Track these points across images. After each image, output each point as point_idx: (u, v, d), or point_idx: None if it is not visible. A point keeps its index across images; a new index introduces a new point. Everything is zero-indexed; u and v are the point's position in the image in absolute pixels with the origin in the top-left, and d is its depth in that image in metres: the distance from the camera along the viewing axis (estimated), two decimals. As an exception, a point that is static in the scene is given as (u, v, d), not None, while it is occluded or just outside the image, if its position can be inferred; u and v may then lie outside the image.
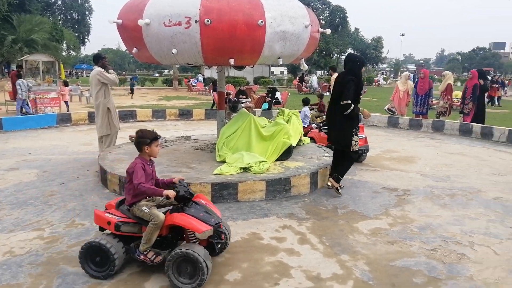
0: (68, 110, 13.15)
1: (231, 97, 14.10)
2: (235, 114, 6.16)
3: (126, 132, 8.06)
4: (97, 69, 6.17)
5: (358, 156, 6.82)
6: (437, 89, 12.39)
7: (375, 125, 11.95)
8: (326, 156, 5.99)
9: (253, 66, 5.17)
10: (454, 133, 10.03)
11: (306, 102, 8.44)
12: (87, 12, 47.04)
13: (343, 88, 4.64)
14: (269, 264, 3.19)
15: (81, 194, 4.83)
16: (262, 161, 5.06)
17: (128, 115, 11.65)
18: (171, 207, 3.10)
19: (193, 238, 2.95)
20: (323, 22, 45.74)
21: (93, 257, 2.94)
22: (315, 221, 4.12)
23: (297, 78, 33.42)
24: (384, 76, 66.85)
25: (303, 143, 6.93)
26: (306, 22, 4.64)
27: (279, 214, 4.27)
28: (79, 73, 60.03)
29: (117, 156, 5.76)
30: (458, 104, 11.87)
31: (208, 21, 4.21)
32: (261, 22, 4.27)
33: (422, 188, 5.31)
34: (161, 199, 3.15)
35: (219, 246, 3.09)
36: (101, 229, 3.15)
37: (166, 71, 70.62)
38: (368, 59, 58.93)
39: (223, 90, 5.86)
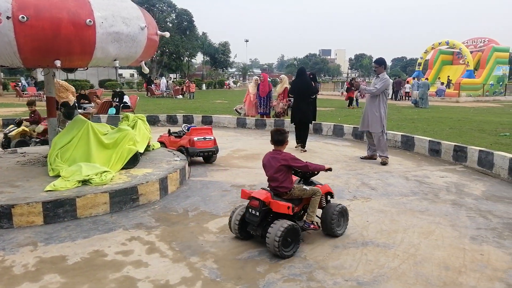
0: None
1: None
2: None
3: None
4: None
5: (209, 157, 7.00)
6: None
7: (226, 126, 12.49)
8: (176, 160, 5.93)
9: (87, 68, 4.75)
10: (292, 130, 11.19)
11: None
12: None
13: (309, 87, 8.20)
14: (114, 281, 2.97)
15: None
16: (105, 171, 4.69)
17: None
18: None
19: (323, 201, 3.86)
20: (170, 25, 45.45)
21: (286, 239, 3.33)
22: (165, 227, 4.03)
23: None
24: (234, 79, 70.45)
25: (153, 148, 6.73)
26: (141, 23, 4.48)
27: (126, 226, 4.03)
28: None
29: None
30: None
31: (23, 17, 3.67)
32: (90, 21, 3.94)
33: (266, 182, 5.74)
34: None
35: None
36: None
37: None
38: (217, 63, 61.30)
39: (52, 95, 5.20)
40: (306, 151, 8.16)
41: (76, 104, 12.48)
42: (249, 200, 3.61)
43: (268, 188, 3.70)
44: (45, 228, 3.93)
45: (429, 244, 3.69)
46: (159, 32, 5.18)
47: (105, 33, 4.12)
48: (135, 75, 60.46)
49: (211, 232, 3.93)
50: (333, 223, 3.73)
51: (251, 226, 3.59)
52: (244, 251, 3.49)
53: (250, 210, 3.54)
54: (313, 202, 3.68)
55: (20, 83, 26.03)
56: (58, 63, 4.03)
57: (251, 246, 3.61)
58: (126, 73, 69.93)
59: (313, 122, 11.04)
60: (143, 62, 5.15)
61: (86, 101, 13.73)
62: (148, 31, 4.67)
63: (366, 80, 49.99)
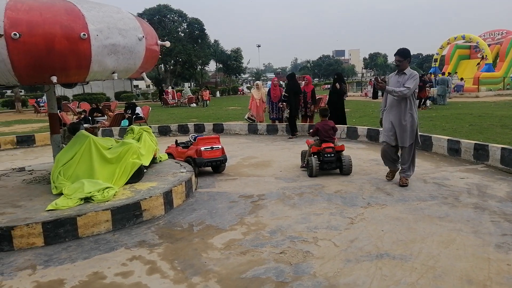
0: None
1: (85, 115, 12.88)
2: (76, 137, 5.47)
3: None
4: None
5: (217, 167, 6.84)
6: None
7: (237, 133, 12.33)
8: (183, 172, 5.78)
9: (87, 83, 4.67)
10: (304, 134, 10.96)
11: None
12: None
13: (298, 88, 10.96)
14: (110, 307, 2.81)
15: None
16: (107, 188, 4.56)
17: None
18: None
19: None
20: (182, 35, 45.87)
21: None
22: (169, 244, 3.87)
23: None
24: (248, 85, 70.54)
25: (160, 160, 6.61)
26: (139, 34, 4.36)
27: (128, 244, 3.89)
28: None
29: None
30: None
31: (16, 34, 3.59)
32: (84, 35, 3.84)
33: (275, 191, 5.54)
34: None
35: None
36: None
37: (9, 91, 61.01)
38: (230, 70, 61.52)
39: (54, 111, 5.14)
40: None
41: (90, 118, 12.61)
42: (319, 151, 6.22)
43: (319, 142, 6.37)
44: (45, 249, 3.82)
45: (449, 254, 3.40)
46: (159, 42, 5.06)
47: (101, 45, 4.01)
48: (151, 86, 61.17)
49: (215, 248, 3.74)
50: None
51: (326, 165, 6.18)
52: (249, 269, 3.29)
53: (326, 155, 6.12)
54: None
55: (40, 99, 26.61)
56: (54, 79, 3.94)
57: (258, 262, 3.40)
58: (142, 84, 70.82)
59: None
60: (144, 73, 5.03)
61: (99, 114, 13.88)
62: (147, 41, 4.56)
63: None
